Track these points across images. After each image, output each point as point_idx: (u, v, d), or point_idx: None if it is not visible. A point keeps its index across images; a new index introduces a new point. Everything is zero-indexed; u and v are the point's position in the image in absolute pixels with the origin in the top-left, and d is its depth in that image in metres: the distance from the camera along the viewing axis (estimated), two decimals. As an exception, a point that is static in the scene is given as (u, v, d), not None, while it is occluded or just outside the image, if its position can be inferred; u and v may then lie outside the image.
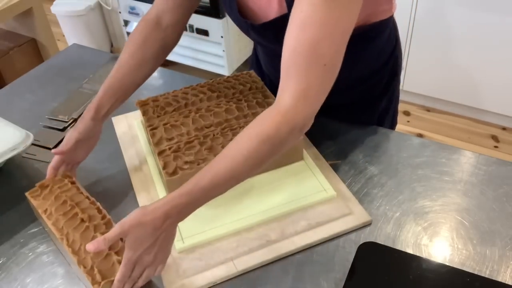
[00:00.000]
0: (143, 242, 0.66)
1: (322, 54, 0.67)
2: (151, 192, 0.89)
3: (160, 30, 0.90)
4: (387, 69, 1.00)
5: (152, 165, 0.94)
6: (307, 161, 0.93)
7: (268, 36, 0.88)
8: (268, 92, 1.00)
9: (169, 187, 0.84)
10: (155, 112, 0.96)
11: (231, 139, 0.87)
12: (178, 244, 0.78)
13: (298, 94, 0.67)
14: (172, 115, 0.95)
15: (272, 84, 1.04)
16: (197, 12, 2.52)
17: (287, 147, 0.71)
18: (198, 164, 0.84)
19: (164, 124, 0.93)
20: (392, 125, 1.12)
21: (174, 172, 0.83)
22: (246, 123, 0.92)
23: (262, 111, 0.87)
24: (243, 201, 0.85)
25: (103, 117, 0.87)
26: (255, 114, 0.94)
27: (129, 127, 1.05)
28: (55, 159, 0.86)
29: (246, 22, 0.87)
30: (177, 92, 1.01)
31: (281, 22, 0.76)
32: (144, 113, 0.96)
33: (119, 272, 0.68)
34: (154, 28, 0.89)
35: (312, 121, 0.71)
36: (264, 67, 1.11)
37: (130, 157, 0.98)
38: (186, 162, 0.85)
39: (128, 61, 0.88)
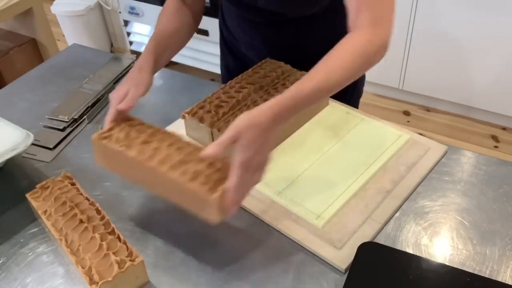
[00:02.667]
0: (255, 143, 0.68)
1: None
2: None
3: (187, 7, 0.99)
4: None
5: None
6: (366, 119, 1.01)
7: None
8: (299, 72, 1.05)
9: None
10: (214, 117, 0.94)
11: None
12: (318, 221, 0.81)
13: (375, 20, 0.77)
14: (232, 113, 0.95)
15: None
16: (197, 12, 2.52)
17: (374, 64, 0.79)
18: None
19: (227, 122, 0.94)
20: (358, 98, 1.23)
21: None
22: None
23: None
24: (343, 170, 0.90)
25: (151, 71, 0.90)
26: None
27: None
28: (113, 113, 0.83)
29: None
30: (218, 95, 1.00)
31: None
32: (201, 120, 0.94)
33: (233, 179, 0.68)
34: (182, 5, 0.98)
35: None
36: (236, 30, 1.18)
37: None
38: None
39: (167, 26, 0.95)
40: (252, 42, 1.14)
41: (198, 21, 1.04)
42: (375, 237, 0.80)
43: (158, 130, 0.80)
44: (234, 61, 1.24)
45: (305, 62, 1.06)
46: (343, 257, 0.76)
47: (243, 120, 0.69)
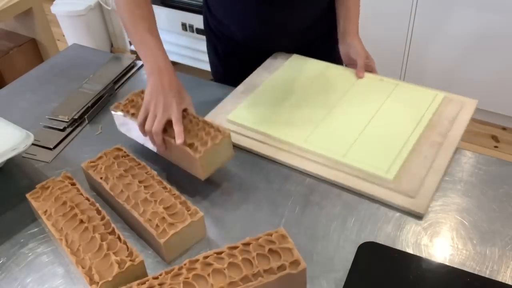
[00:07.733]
0: None
1: None
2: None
3: None
4: None
5: None
6: (401, 84, 1.09)
7: None
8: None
9: None
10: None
11: None
12: (389, 175, 0.87)
13: None
14: None
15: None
16: (197, 12, 2.52)
17: None
18: None
19: None
20: None
21: None
22: None
23: None
24: (395, 130, 0.96)
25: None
26: None
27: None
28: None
29: None
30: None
31: None
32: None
33: None
34: None
35: None
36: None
37: None
38: None
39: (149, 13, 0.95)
40: (241, 19, 1.17)
41: None
42: (439, 185, 0.87)
43: (136, 165, 0.89)
44: (220, 44, 1.27)
45: (294, 39, 1.17)
46: (419, 204, 0.83)
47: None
